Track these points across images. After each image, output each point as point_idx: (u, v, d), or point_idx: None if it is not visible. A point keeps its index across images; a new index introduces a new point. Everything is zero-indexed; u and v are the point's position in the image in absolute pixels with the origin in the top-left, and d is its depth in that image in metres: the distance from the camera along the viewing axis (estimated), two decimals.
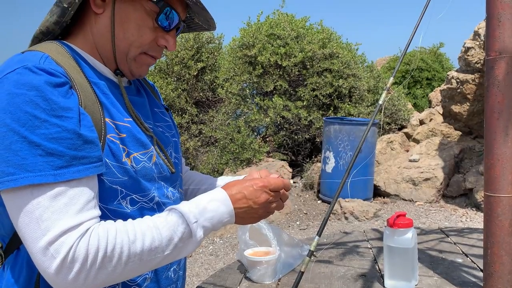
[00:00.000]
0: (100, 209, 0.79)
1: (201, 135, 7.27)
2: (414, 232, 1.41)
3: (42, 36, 0.89)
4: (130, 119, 0.89)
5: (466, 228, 2.08)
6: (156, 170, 0.91)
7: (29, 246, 0.70)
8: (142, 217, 0.82)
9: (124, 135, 0.85)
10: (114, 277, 0.74)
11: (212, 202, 0.85)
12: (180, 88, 7.26)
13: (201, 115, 7.57)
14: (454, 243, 1.81)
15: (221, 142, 6.50)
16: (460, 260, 1.60)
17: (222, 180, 1.20)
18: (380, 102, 1.05)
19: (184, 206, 0.83)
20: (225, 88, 6.91)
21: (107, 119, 0.83)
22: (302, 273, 0.99)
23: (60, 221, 0.70)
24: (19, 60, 0.77)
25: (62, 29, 0.89)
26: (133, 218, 0.82)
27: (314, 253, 1.03)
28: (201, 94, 7.67)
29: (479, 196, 4.98)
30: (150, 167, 0.89)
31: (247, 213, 0.90)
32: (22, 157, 0.69)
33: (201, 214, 0.83)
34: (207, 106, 7.77)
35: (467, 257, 1.63)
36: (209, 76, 7.67)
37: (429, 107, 9.16)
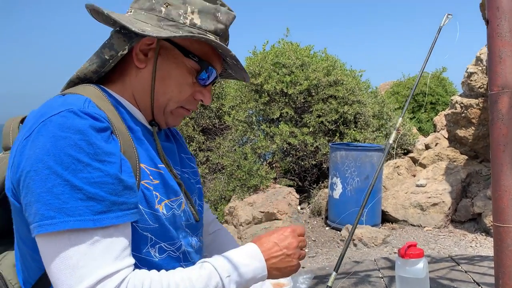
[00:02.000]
0: None
1: (208, 162, 7.32)
2: (426, 262, 1.43)
3: (78, 81, 0.91)
4: (163, 166, 0.90)
5: (476, 256, 2.09)
6: (184, 218, 0.92)
7: None
8: (168, 267, 0.82)
9: (157, 181, 0.86)
10: None
11: (244, 257, 0.84)
12: (187, 116, 7.36)
13: (208, 142, 7.64)
14: (465, 272, 1.82)
15: (228, 169, 6.53)
16: None
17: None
18: (391, 141, 1.09)
19: (217, 260, 0.83)
20: (231, 116, 7.00)
21: (142, 165, 0.84)
22: None
23: (97, 269, 0.69)
24: (63, 103, 0.77)
25: (99, 77, 0.92)
26: (161, 267, 0.82)
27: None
28: (208, 121, 7.76)
29: (488, 221, 4.95)
30: (179, 215, 0.90)
31: (283, 262, 0.88)
32: (63, 201, 0.69)
33: (234, 269, 0.82)
34: (214, 133, 7.85)
35: (479, 286, 1.64)
36: (215, 104, 7.77)
37: (434, 131, 9.19)
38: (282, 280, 1.49)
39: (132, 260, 0.76)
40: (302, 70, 6.71)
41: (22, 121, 0.95)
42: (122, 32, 0.88)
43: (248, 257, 0.85)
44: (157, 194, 0.85)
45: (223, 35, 0.94)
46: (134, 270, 0.75)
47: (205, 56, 0.92)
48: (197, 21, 0.90)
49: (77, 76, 0.90)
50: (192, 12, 0.89)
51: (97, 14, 0.91)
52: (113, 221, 0.72)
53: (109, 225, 0.72)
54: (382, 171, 5.68)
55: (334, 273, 1.01)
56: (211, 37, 0.90)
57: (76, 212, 0.69)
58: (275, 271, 0.88)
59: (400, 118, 1.18)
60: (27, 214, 0.73)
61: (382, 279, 1.72)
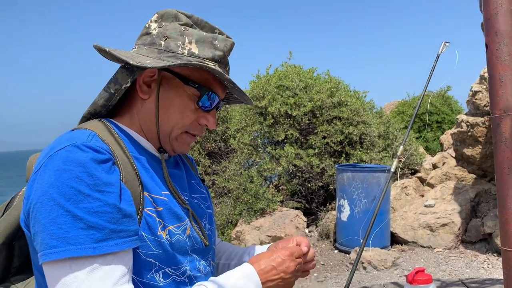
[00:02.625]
0: (134, 282, 0.82)
1: (214, 186, 7.31)
2: (434, 287, 1.41)
3: (90, 116, 0.97)
4: (168, 193, 0.92)
5: (487, 279, 2.05)
6: (190, 243, 0.94)
7: None
8: None
9: (161, 208, 0.89)
10: None
11: (241, 280, 0.87)
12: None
13: (214, 165, 7.65)
14: None
15: (234, 193, 6.51)
16: None
17: (251, 249, 1.20)
18: (392, 169, 1.09)
19: (213, 283, 0.85)
20: (237, 139, 7.02)
21: (145, 193, 0.87)
22: None
23: None
24: (69, 138, 0.83)
25: (108, 111, 0.97)
26: None
27: None
28: (213, 145, 7.80)
29: (499, 241, 4.87)
30: (184, 240, 0.92)
31: (279, 285, 0.90)
32: (65, 230, 0.73)
33: None
34: (219, 156, 7.87)
35: None
36: (221, 127, 7.82)
37: (441, 150, 9.14)
38: None
39: (130, 286, 0.78)
40: (306, 92, 6.76)
41: None
42: (126, 67, 0.94)
43: (245, 278, 0.87)
44: (161, 220, 0.88)
45: (222, 61, 0.98)
46: None
47: (206, 83, 0.96)
48: (195, 50, 0.94)
49: (88, 112, 0.96)
50: (190, 42, 0.94)
51: (102, 52, 0.94)
52: (112, 248, 0.76)
53: (108, 252, 0.75)
54: (390, 192, 5.64)
55: None
56: (209, 63, 0.94)
57: (77, 240, 0.74)
58: None
59: (402, 146, 1.18)
60: (35, 243, 0.77)
61: None
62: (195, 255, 0.96)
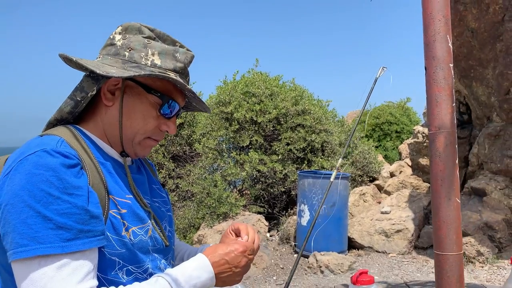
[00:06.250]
0: (99, 278, 0.87)
1: (178, 190, 7.31)
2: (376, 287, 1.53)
3: (56, 122, 1.01)
4: (131, 196, 0.99)
5: (429, 282, 2.21)
6: (151, 243, 1.00)
7: None
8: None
9: (125, 210, 0.95)
10: None
11: (196, 270, 0.94)
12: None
13: (178, 169, 7.65)
14: None
15: (198, 197, 6.55)
16: None
17: (204, 248, 1.29)
18: (332, 179, 1.20)
19: (171, 273, 0.92)
20: (202, 143, 7.07)
21: (111, 196, 0.93)
22: None
23: None
24: (38, 144, 0.87)
25: (74, 117, 1.02)
26: None
27: None
28: (178, 148, 7.79)
29: None
30: (146, 240, 0.98)
31: (230, 277, 0.99)
32: (35, 230, 0.78)
33: (186, 281, 0.91)
34: (184, 160, 7.87)
35: None
36: (186, 131, 7.83)
37: (400, 159, 9.51)
38: None
39: (95, 283, 0.84)
40: (271, 99, 6.90)
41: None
42: (91, 76, 0.99)
43: (199, 269, 0.95)
44: (125, 222, 0.94)
45: (183, 72, 1.05)
46: None
47: (167, 92, 1.03)
48: (158, 61, 1.01)
49: (54, 118, 1.01)
50: (153, 54, 1.01)
51: (69, 61, 0.99)
52: (79, 247, 0.81)
53: (76, 251, 0.81)
54: (348, 198, 5.84)
55: None
56: (171, 74, 1.01)
57: (47, 239, 0.78)
58: (221, 282, 1.00)
59: (340, 159, 1.29)
60: (4, 242, 0.82)
61: None
62: (156, 255, 1.02)
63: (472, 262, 4.95)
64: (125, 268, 0.93)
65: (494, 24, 5.05)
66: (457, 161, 1.46)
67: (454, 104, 1.43)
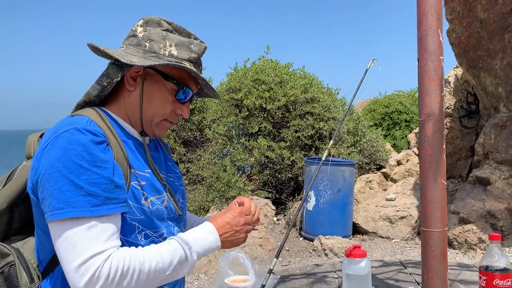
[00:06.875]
0: (121, 240, 1.01)
1: (189, 174, 7.50)
2: (367, 261, 1.67)
3: (84, 104, 1.15)
4: (150, 170, 1.13)
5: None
6: (166, 212, 1.14)
7: (64, 265, 0.92)
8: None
9: (144, 182, 1.08)
10: None
11: (203, 233, 1.09)
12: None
13: (188, 154, 7.83)
14: (410, 274, 2.07)
15: (208, 181, 6.73)
16: (411, 287, 1.86)
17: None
18: (323, 158, 1.34)
19: (181, 236, 1.07)
20: (212, 129, 7.22)
21: (132, 170, 1.07)
22: (264, 286, 1.26)
23: (91, 247, 0.91)
24: (70, 123, 1.00)
25: (100, 100, 1.16)
26: None
27: (273, 271, 1.29)
28: (189, 134, 7.97)
29: (451, 234, 5.26)
30: (162, 209, 1.12)
31: (233, 236, 1.15)
32: (69, 196, 0.91)
33: (194, 242, 1.06)
34: (194, 145, 8.05)
35: (418, 284, 1.89)
36: (197, 117, 7.99)
37: (408, 148, 9.57)
38: (247, 277, 1.71)
39: (118, 243, 0.97)
40: (281, 87, 7.01)
41: (40, 136, 1.18)
42: (116, 63, 1.12)
43: (205, 232, 1.10)
44: (144, 192, 1.07)
45: (197, 62, 1.19)
46: (119, 248, 0.98)
47: (182, 79, 1.16)
48: (174, 52, 1.14)
49: (83, 101, 1.14)
50: (170, 45, 1.14)
51: (96, 50, 1.14)
52: (106, 211, 0.95)
53: (103, 215, 0.94)
54: (353, 185, 5.96)
55: (275, 259, 1.25)
56: (186, 64, 1.14)
57: (78, 204, 0.92)
58: (227, 243, 1.15)
59: (332, 141, 1.42)
60: (42, 206, 0.96)
61: (337, 279, 1.96)
62: (170, 222, 1.16)
63: (473, 249, 5.07)
64: (143, 232, 1.07)
65: (503, 15, 5.07)
66: (444, 146, 1.59)
67: (443, 94, 1.55)
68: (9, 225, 1.15)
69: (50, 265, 1.04)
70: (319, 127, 6.90)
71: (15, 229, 1.16)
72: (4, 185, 1.15)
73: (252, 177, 7.59)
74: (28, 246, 1.12)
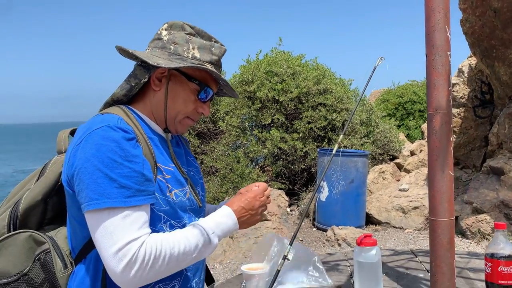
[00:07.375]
0: None
1: (203, 165, 7.61)
2: (378, 249, 1.74)
3: (112, 102, 1.23)
4: (173, 165, 1.21)
5: None
6: (188, 203, 1.22)
7: (102, 252, 1.00)
8: None
9: (169, 176, 1.17)
10: (159, 273, 1.04)
11: (222, 218, 1.19)
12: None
13: (202, 146, 7.94)
14: (420, 262, 2.12)
15: (222, 172, 6.84)
16: (421, 275, 1.92)
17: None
18: (334, 151, 1.40)
19: (203, 222, 1.15)
20: (225, 121, 7.31)
21: (158, 164, 1.15)
22: (278, 271, 1.34)
23: (126, 234, 0.99)
24: (102, 120, 1.08)
25: (128, 99, 1.24)
26: None
27: (288, 258, 1.37)
28: (203, 126, 8.07)
29: (464, 223, 5.28)
30: (185, 201, 1.20)
31: (249, 218, 1.24)
32: (103, 188, 1.00)
33: (215, 227, 1.15)
34: (208, 137, 8.15)
35: (428, 272, 1.95)
36: (211, 109, 8.07)
37: (422, 138, 9.54)
38: (261, 264, 1.78)
39: (149, 230, 1.06)
40: (293, 79, 7.05)
41: (71, 132, 1.28)
42: (143, 65, 1.20)
43: (224, 216, 1.20)
44: (169, 185, 1.16)
45: (217, 63, 1.27)
46: (150, 235, 1.07)
47: (204, 80, 1.24)
48: (197, 54, 1.22)
49: (111, 99, 1.22)
50: (193, 48, 1.22)
51: (124, 52, 1.22)
52: (138, 202, 1.03)
53: (135, 205, 1.03)
54: (367, 175, 6.00)
55: (289, 246, 1.33)
56: (208, 66, 1.22)
57: (113, 195, 1.00)
58: (244, 224, 1.25)
59: (342, 135, 1.49)
60: (79, 197, 1.04)
61: (349, 267, 2.02)
62: (191, 213, 1.25)
63: (487, 239, 5.08)
64: (168, 222, 1.16)
65: None
66: (451, 138, 1.64)
67: (451, 88, 1.60)
68: (43, 215, 1.25)
69: (82, 252, 1.13)
70: (331, 118, 6.93)
71: (48, 219, 1.26)
72: (38, 179, 1.24)
73: (265, 169, 7.67)
74: (60, 235, 1.21)
